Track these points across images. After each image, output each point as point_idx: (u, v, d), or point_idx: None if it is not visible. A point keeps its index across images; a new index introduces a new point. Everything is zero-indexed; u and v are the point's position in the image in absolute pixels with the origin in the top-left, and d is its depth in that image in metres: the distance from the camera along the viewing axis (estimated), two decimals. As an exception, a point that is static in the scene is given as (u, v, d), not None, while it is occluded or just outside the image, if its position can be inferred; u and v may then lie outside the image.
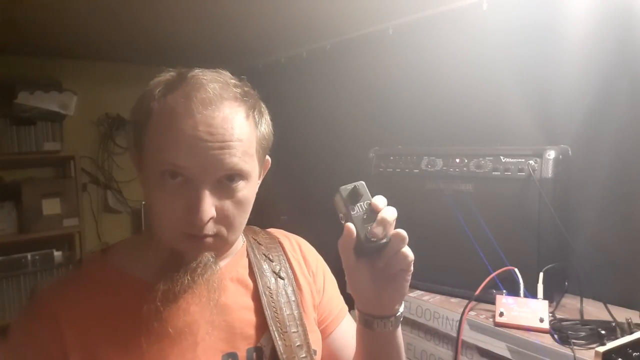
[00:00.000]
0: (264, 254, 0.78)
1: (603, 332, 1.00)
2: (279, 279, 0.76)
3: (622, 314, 1.12)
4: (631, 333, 0.61)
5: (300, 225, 2.04)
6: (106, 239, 2.74)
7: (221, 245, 0.65)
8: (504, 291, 1.17)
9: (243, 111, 0.63)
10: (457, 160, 1.32)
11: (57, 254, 2.47)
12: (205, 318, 0.67)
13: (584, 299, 1.17)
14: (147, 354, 0.62)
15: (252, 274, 0.74)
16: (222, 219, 0.62)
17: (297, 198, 2.34)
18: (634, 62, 1.18)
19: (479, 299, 1.22)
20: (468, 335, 1.17)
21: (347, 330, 0.83)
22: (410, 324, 1.37)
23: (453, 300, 1.31)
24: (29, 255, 2.39)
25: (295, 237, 0.88)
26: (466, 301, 1.22)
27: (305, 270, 0.82)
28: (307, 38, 2.10)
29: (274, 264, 0.78)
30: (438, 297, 1.34)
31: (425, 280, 1.38)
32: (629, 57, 1.19)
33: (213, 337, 0.67)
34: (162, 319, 0.64)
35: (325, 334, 0.81)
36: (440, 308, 1.27)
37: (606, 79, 1.24)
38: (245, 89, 0.66)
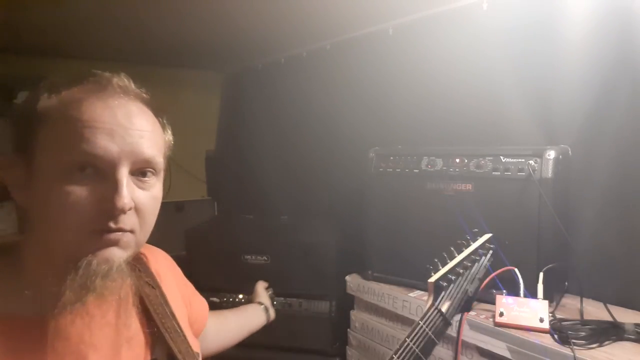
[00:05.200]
0: (133, 264, 0.72)
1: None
2: (151, 288, 0.73)
3: (622, 314, 1.12)
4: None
5: (300, 225, 2.04)
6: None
7: (132, 247, 0.60)
8: (504, 291, 1.17)
9: (152, 110, 0.63)
10: (457, 160, 1.32)
11: (57, 254, 2.47)
12: (116, 334, 0.63)
13: (584, 299, 1.17)
14: None
15: (131, 283, 0.70)
16: (138, 211, 0.59)
17: (297, 198, 2.34)
18: (634, 62, 1.18)
19: (479, 299, 1.22)
20: (468, 335, 1.17)
21: (214, 323, 1.00)
22: (410, 324, 1.37)
23: (453, 300, 1.31)
24: (29, 255, 2.38)
25: (156, 249, 0.85)
26: (466, 301, 1.22)
27: (173, 282, 0.81)
28: (307, 38, 2.10)
29: (142, 274, 0.74)
30: (438, 297, 1.34)
31: (425, 280, 1.38)
32: (629, 57, 1.19)
33: (118, 355, 0.63)
34: (68, 342, 0.58)
35: (201, 329, 0.92)
36: (440, 308, 1.27)
37: (606, 79, 1.24)
38: (148, 93, 0.64)
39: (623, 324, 1.04)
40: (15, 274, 0.60)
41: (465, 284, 0.89)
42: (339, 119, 2.07)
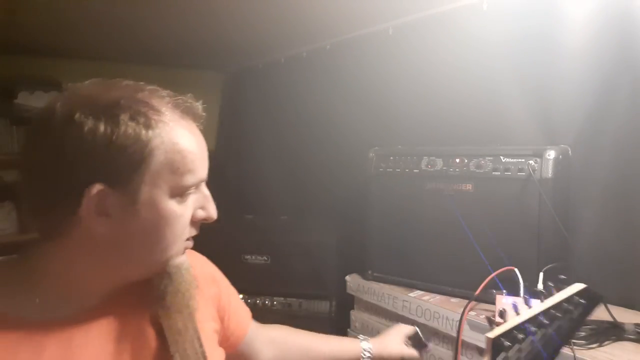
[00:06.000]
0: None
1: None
2: None
3: (622, 314, 1.12)
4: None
5: (300, 225, 2.04)
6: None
7: None
8: (504, 291, 1.17)
9: None
10: (457, 160, 1.32)
11: (57, 254, 2.46)
12: (120, 345, 0.64)
13: (584, 299, 1.17)
14: None
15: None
16: None
17: (297, 198, 2.34)
18: (634, 63, 1.18)
19: (479, 299, 1.22)
20: (468, 335, 1.17)
21: (255, 333, 0.94)
22: (410, 324, 1.37)
23: (453, 300, 1.31)
24: (29, 256, 2.38)
25: (197, 256, 0.84)
26: (466, 301, 1.22)
27: (207, 293, 0.80)
28: (307, 38, 2.10)
29: None
30: (438, 297, 1.34)
31: (425, 280, 1.39)
32: (629, 58, 1.19)
33: None
34: (66, 352, 0.59)
35: (238, 341, 0.88)
36: (440, 308, 1.27)
37: (606, 79, 1.24)
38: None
39: (623, 324, 1.04)
40: (26, 279, 0.62)
41: (537, 345, 0.68)
42: (339, 119, 2.07)
